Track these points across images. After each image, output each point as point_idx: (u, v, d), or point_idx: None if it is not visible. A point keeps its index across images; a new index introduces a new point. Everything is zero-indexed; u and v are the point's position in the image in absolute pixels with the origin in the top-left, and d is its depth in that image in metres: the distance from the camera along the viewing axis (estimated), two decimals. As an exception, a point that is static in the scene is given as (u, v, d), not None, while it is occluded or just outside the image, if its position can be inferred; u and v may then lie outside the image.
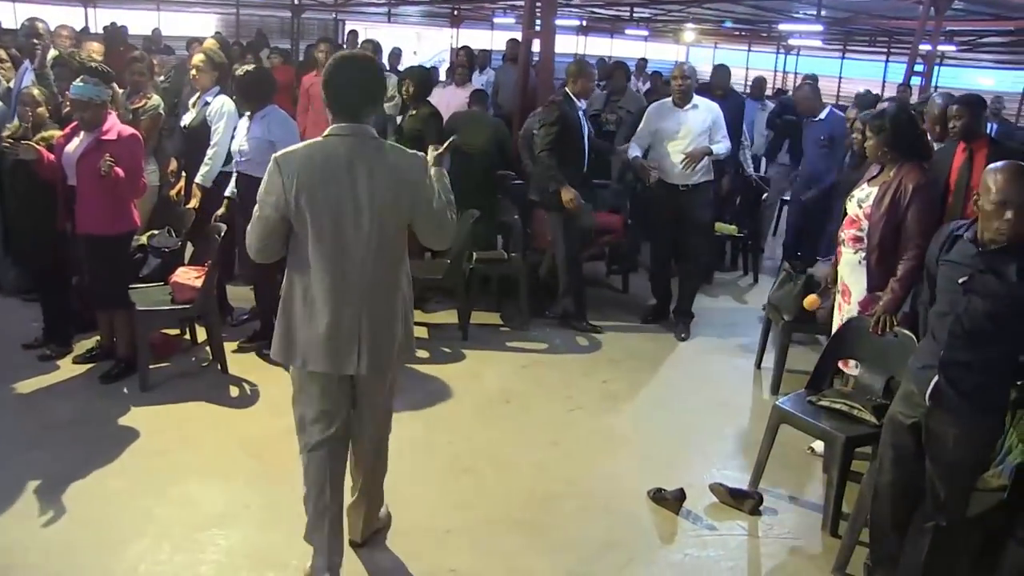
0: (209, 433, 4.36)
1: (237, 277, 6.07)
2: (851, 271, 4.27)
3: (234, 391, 4.87)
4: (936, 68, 21.48)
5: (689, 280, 6.21)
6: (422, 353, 5.43)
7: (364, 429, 3.20)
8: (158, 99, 5.78)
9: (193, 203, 5.35)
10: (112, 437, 4.25)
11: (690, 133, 5.82)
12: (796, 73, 27.36)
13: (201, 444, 4.24)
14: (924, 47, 20.23)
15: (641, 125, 6.09)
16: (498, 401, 4.94)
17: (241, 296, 5.81)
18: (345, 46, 12.66)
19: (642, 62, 14.02)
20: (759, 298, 6.60)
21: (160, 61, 7.65)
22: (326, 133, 2.82)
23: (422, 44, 27.34)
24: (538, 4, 7.79)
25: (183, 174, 5.75)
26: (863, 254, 4.15)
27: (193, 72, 5.59)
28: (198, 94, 5.65)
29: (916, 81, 10.83)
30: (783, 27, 18.53)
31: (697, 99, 5.89)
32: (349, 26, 20.46)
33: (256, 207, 2.85)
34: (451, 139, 3.29)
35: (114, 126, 4.57)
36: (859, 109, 6.42)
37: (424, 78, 6.37)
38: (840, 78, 24.94)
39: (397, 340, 3.00)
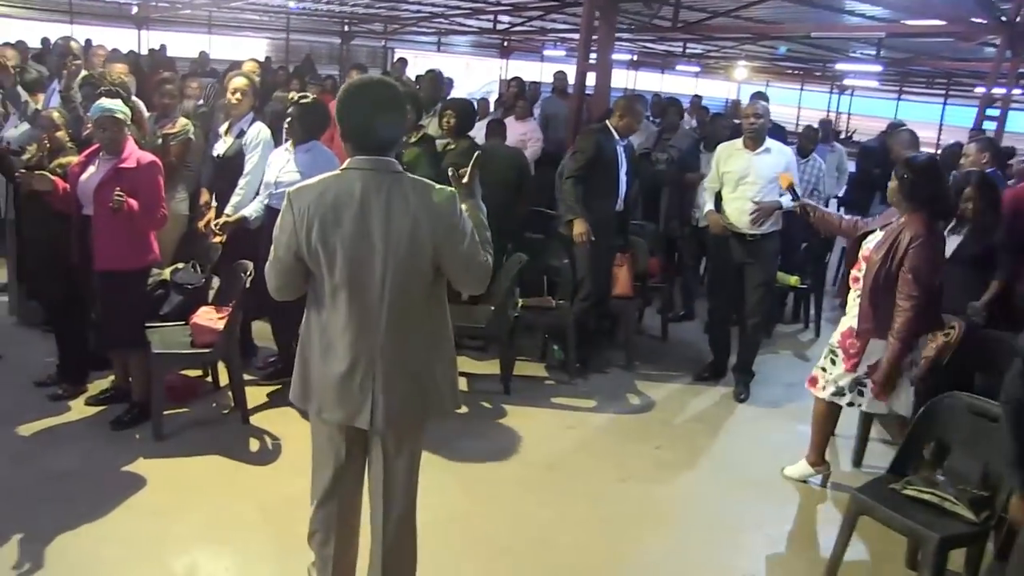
0: (223, 493, 3.94)
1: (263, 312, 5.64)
2: (851, 307, 4.18)
3: (254, 444, 4.45)
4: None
5: (751, 336, 5.68)
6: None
7: (379, 501, 2.80)
8: (188, 123, 5.43)
9: (220, 237, 4.97)
10: (115, 493, 3.84)
11: (760, 179, 5.33)
12: (849, 113, 26.86)
13: (213, 505, 3.82)
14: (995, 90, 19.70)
15: (711, 168, 5.65)
16: (542, 467, 4.46)
17: (268, 334, 5.40)
18: (391, 73, 12.42)
19: (696, 99, 13.57)
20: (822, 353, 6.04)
21: (199, 84, 7.37)
22: (343, 167, 2.58)
23: (471, 75, 27.13)
24: (594, 38, 7.46)
25: (213, 205, 5.37)
26: (859, 293, 4.06)
27: (233, 97, 5.20)
28: (228, 122, 5.29)
29: (990, 126, 10.21)
30: (841, 66, 18.04)
31: (770, 142, 5.41)
32: (398, 54, 20.30)
33: (272, 247, 2.63)
34: (474, 159, 2.89)
35: (132, 153, 4.22)
36: (982, 149, 5.51)
37: (468, 111, 5.98)
38: (895, 119, 24.35)
39: (425, 394, 2.70)
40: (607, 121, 5.68)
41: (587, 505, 4.13)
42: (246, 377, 4.89)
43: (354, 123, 2.55)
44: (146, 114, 5.13)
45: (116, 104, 4.23)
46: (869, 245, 4.08)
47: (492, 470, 4.36)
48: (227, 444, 4.40)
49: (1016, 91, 10.76)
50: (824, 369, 4.31)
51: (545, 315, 5.70)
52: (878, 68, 15.73)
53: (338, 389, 2.63)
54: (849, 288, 4.25)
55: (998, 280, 4.63)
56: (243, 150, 5.12)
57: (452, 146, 5.75)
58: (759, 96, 6.34)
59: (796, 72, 25.72)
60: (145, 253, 4.36)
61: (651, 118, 9.29)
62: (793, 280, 6.81)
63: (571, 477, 4.39)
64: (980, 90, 20.11)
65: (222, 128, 5.37)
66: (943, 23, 9.50)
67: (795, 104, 27.92)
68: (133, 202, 4.11)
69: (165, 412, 4.46)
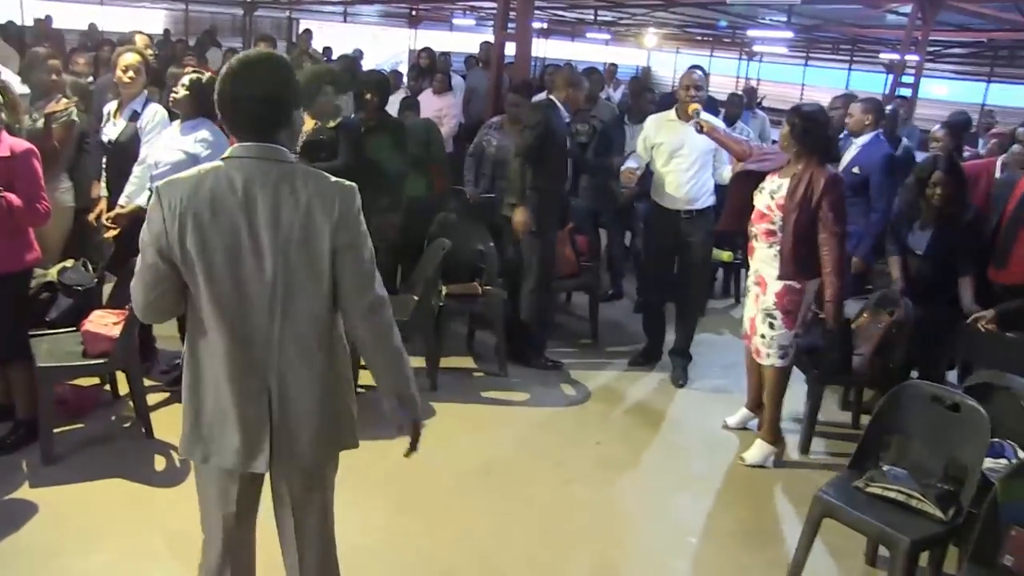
0: (127, 523, 3.48)
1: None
2: (767, 265, 4.26)
3: (160, 462, 3.99)
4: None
5: (687, 318, 5.43)
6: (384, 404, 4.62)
7: (291, 550, 2.43)
8: (71, 103, 4.85)
9: (113, 231, 4.45)
10: (-1, 531, 3.36)
11: (695, 151, 5.04)
12: (759, 79, 27.04)
13: (116, 540, 3.36)
14: (890, 55, 19.98)
15: (639, 140, 5.33)
16: (478, 472, 4.12)
17: (171, 332, 4.86)
18: (297, 45, 11.82)
19: (612, 67, 13.27)
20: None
21: (87, 60, 6.73)
22: (224, 156, 2.14)
23: (378, 45, 26.38)
24: (512, 5, 7.08)
25: (104, 196, 4.81)
26: (778, 247, 4.15)
27: (126, 76, 4.62)
28: (119, 102, 4.74)
29: (905, 92, 10.21)
30: (752, 33, 17.95)
31: (706, 115, 5.08)
32: (303, 25, 19.48)
33: (140, 253, 2.15)
34: None
35: (3, 140, 3.68)
36: (950, 134, 5.60)
37: (385, 87, 5.51)
38: (803, 85, 24.61)
39: (333, 425, 2.29)
40: (551, 95, 5.35)
41: (531, 513, 3.81)
42: (148, 384, 4.44)
43: (235, 105, 2.12)
44: (19, 95, 4.53)
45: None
46: (775, 196, 4.17)
47: (425, 481, 3.98)
48: (129, 464, 3.93)
49: (913, 57, 10.77)
50: (763, 336, 4.30)
51: (472, 303, 5.33)
52: (789, 35, 15.72)
53: (228, 428, 2.20)
54: (752, 247, 4.35)
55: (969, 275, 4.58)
56: (138, 134, 4.60)
57: (372, 124, 5.29)
58: (695, 67, 6.02)
59: (706, 39, 25.71)
60: (24, 252, 3.81)
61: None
62: (726, 256, 6.59)
63: (511, 482, 4.06)
64: (885, 56, 20.57)
65: (109, 108, 4.81)
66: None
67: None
68: (11, 196, 3.60)
69: (56, 430, 3.96)
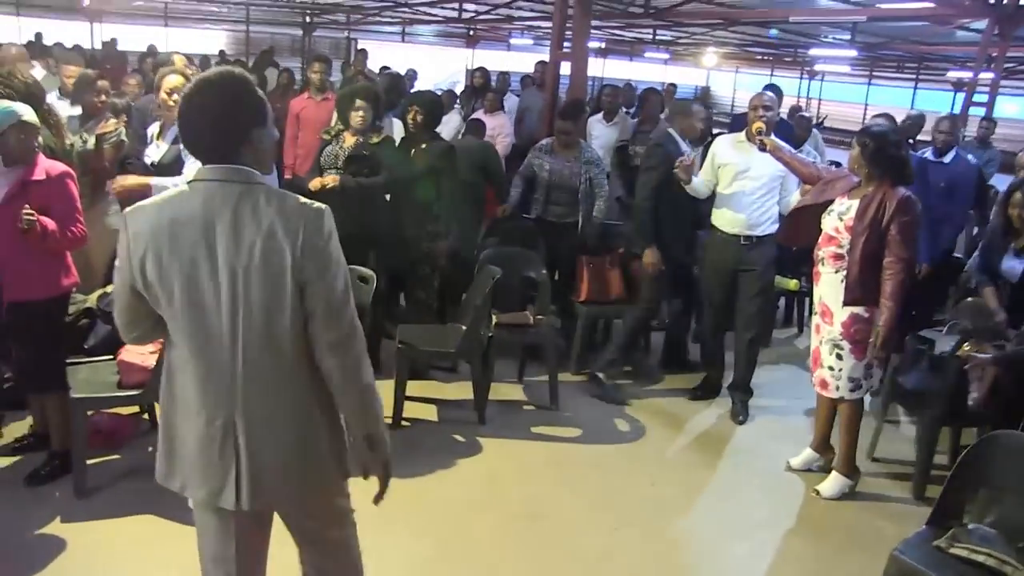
0: (154, 563, 3.32)
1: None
2: (833, 292, 4.07)
3: (193, 498, 3.82)
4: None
5: (748, 351, 5.12)
6: (430, 440, 4.43)
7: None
8: (119, 123, 4.76)
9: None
10: (27, 565, 3.21)
11: (763, 175, 4.76)
12: (820, 99, 26.52)
13: (142, 581, 3.20)
14: (961, 73, 19.35)
15: (706, 161, 5.07)
16: (524, 516, 3.87)
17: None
18: (352, 65, 11.78)
19: (671, 87, 13.00)
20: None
21: (138, 82, 6.68)
22: (188, 179, 2.07)
23: (436, 65, 26.47)
24: (569, 24, 6.90)
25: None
26: (844, 272, 3.98)
27: (170, 99, 4.51)
28: (161, 124, 4.63)
29: (978, 112, 9.75)
30: (815, 51, 17.53)
31: (775, 139, 4.84)
32: (361, 45, 19.59)
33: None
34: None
35: (39, 164, 3.56)
36: None
37: (434, 105, 5.38)
38: (866, 105, 23.99)
39: (304, 461, 2.15)
40: (669, 129, 5.26)
41: (581, 563, 3.55)
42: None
43: (189, 128, 2.04)
44: (60, 116, 4.44)
45: (22, 108, 3.59)
46: (843, 218, 4.01)
47: (468, 522, 3.76)
48: (163, 499, 3.71)
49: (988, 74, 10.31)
50: (832, 368, 4.12)
51: (523, 333, 5.10)
52: (853, 53, 15.25)
53: (197, 459, 2.11)
54: (818, 273, 4.17)
55: None
56: (181, 156, 4.47)
57: (423, 145, 5.15)
58: (769, 88, 5.76)
59: (766, 58, 25.27)
60: (61, 278, 3.71)
61: (626, 109, 8.70)
62: (792, 284, 6.23)
63: (558, 527, 3.81)
64: (953, 74, 19.96)
65: (152, 130, 4.70)
66: (931, 5, 9.00)
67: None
68: (47, 220, 3.49)
69: (90, 461, 3.83)
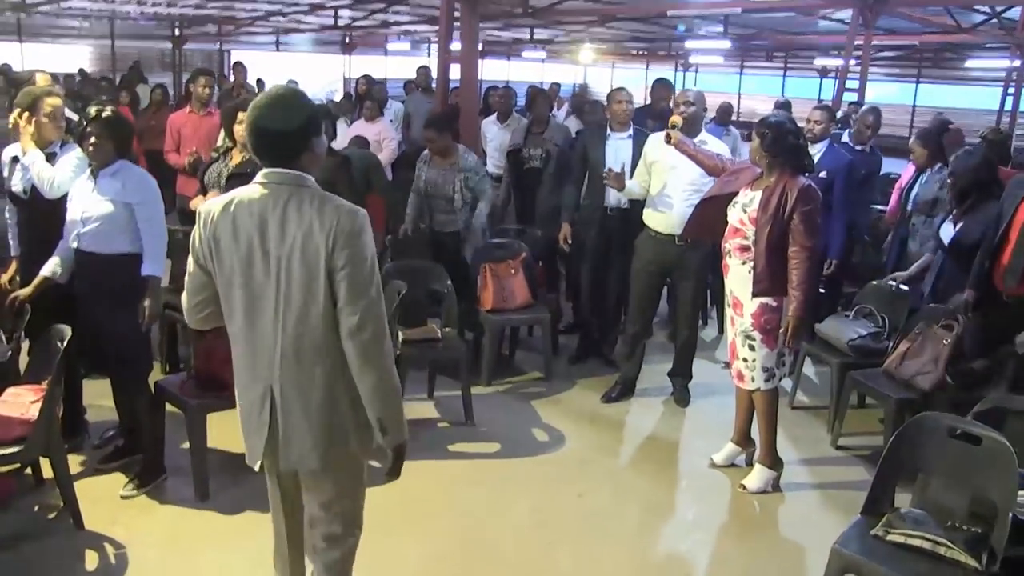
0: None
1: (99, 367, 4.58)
2: (742, 284, 4.05)
3: (92, 559, 3.46)
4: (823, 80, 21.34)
5: (688, 342, 5.20)
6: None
7: (306, 545, 2.72)
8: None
9: (26, 290, 3.93)
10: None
11: (693, 171, 4.66)
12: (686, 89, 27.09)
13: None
14: (826, 61, 20.11)
15: (640, 160, 5.02)
16: (452, 540, 3.68)
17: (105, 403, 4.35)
18: (230, 78, 11.35)
19: (555, 87, 12.98)
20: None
21: None
22: (255, 180, 2.42)
23: (312, 74, 25.91)
24: (456, 26, 6.74)
25: (15, 256, 4.29)
26: (751, 264, 3.97)
27: (52, 123, 4.12)
28: (17, 145, 4.19)
29: (852, 98, 10.06)
30: (690, 44, 17.86)
31: (706, 135, 4.86)
32: (235, 57, 18.93)
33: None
34: None
35: None
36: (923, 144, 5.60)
37: (329, 117, 5.09)
38: (740, 94, 24.66)
39: (329, 433, 2.44)
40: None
41: (515, 585, 3.40)
42: (77, 462, 4.00)
43: (258, 137, 2.38)
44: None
45: None
46: (748, 210, 4.00)
47: (389, 552, 3.53)
48: (57, 562, 3.42)
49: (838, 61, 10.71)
50: (746, 360, 4.12)
51: (431, 348, 4.91)
52: (727, 44, 15.56)
53: (246, 424, 2.51)
54: (727, 266, 4.15)
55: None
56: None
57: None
58: (660, 81, 5.82)
59: (641, 52, 25.68)
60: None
61: (518, 109, 8.56)
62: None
63: (488, 550, 3.63)
64: (819, 61, 20.72)
65: (7, 155, 4.28)
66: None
67: (642, 84, 27.90)
68: None
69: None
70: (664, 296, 5.73)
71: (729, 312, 4.21)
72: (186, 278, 2.50)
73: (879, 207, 6.81)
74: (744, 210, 4.02)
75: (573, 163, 5.65)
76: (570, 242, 5.47)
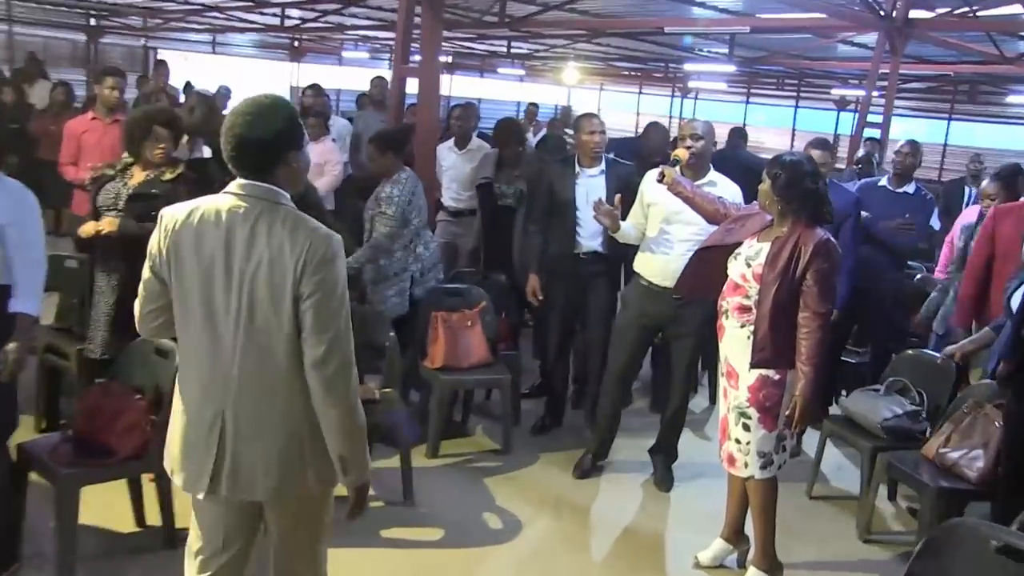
0: None
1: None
2: (739, 349, 3.97)
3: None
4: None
5: (675, 416, 5.11)
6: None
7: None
8: None
9: None
10: None
11: (698, 218, 4.57)
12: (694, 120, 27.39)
13: None
14: (845, 91, 20.38)
15: (636, 200, 4.95)
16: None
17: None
18: (151, 80, 11.26)
19: (532, 108, 13.00)
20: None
21: None
22: (225, 189, 2.61)
23: (253, 81, 25.87)
24: (415, 34, 6.69)
25: None
26: (752, 327, 3.88)
27: None
28: None
29: (874, 134, 10.12)
30: (690, 67, 18.04)
31: (715, 175, 4.79)
32: (163, 55, 18.81)
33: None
34: None
35: None
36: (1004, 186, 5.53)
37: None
38: (744, 125, 24.91)
39: (280, 466, 2.59)
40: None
41: None
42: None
43: (230, 144, 2.53)
44: None
45: None
46: (752, 264, 3.92)
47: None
48: None
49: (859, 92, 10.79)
50: (739, 441, 4.00)
51: (368, 411, 4.72)
52: (731, 68, 15.74)
53: (183, 446, 2.64)
54: (722, 327, 4.08)
55: None
56: None
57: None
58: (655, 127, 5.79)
59: (633, 73, 25.92)
60: None
61: (482, 134, 8.48)
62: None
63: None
64: (837, 92, 21.00)
65: None
66: (819, 16, 9.28)
67: (633, 110, 28.19)
68: None
69: None
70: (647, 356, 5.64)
71: (722, 382, 4.12)
72: (140, 284, 2.66)
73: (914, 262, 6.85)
74: (748, 264, 3.94)
75: (537, 199, 5.60)
76: (540, 297, 5.43)
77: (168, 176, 4.47)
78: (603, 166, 5.31)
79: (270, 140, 2.54)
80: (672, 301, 4.77)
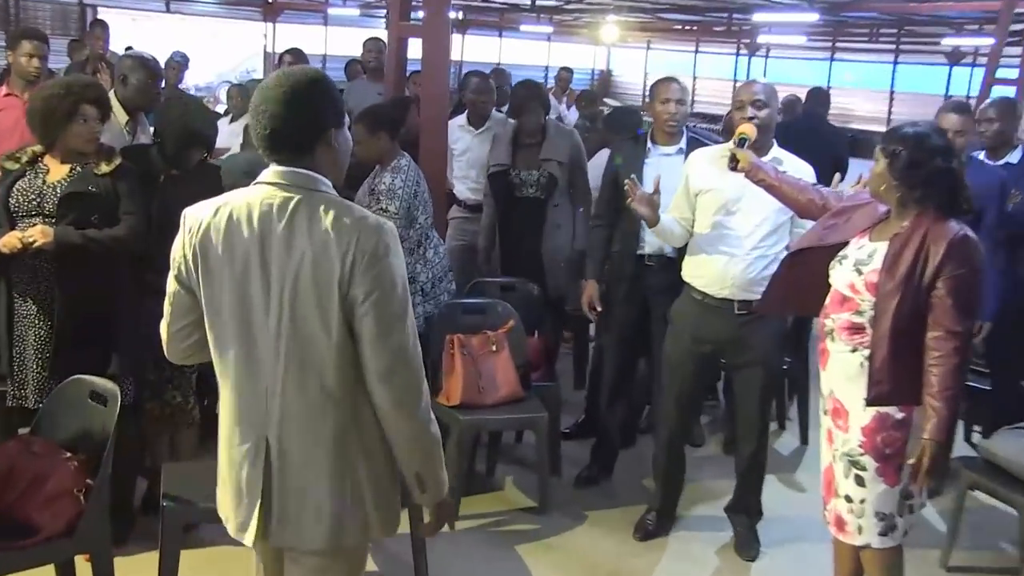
0: None
1: None
2: (850, 380, 3.82)
3: None
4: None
5: (753, 463, 4.99)
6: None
7: None
8: None
9: None
10: None
11: (764, 207, 4.52)
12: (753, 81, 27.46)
13: None
14: (962, 40, 20.22)
15: (679, 187, 4.85)
16: None
17: None
18: (86, 44, 11.27)
19: (565, 73, 12.94)
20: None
21: None
22: (257, 180, 2.72)
23: (220, 46, 26.13)
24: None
25: None
26: (867, 353, 3.73)
27: None
28: None
29: (1006, 92, 9.98)
30: (760, 16, 17.99)
31: (779, 151, 4.67)
32: (102, 14, 18.94)
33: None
34: None
35: None
36: None
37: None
38: (830, 87, 24.87)
39: (331, 508, 2.68)
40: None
41: None
42: None
43: (261, 122, 2.61)
44: None
45: None
46: (864, 269, 3.80)
47: None
48: None
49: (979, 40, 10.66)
50: (850, 499, 3.86)
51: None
52: (813, 17, 15.65)
53: (228, 488, 2.77)
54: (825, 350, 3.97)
55: None
56: None
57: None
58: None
59: (688, 28, 25.97)
60: None
61: (500, 109, 8.40)
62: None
63: None
64: (949, 41, 20.91)
65: None
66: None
67: (689, 73, 28.19)
68: None
69: None
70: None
71: (825, 422, 4.00)
72: (166, 301, 2.78)
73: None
74: (858, 270, 3.81)
75: (602, 189, 5.56)
76: (598, 308, 5.39)
77: (105, 169, 4.38)
78: (682, 143, 5.22)
79: (309, 118, 2.66)
80: (734, 318, 4.68)
